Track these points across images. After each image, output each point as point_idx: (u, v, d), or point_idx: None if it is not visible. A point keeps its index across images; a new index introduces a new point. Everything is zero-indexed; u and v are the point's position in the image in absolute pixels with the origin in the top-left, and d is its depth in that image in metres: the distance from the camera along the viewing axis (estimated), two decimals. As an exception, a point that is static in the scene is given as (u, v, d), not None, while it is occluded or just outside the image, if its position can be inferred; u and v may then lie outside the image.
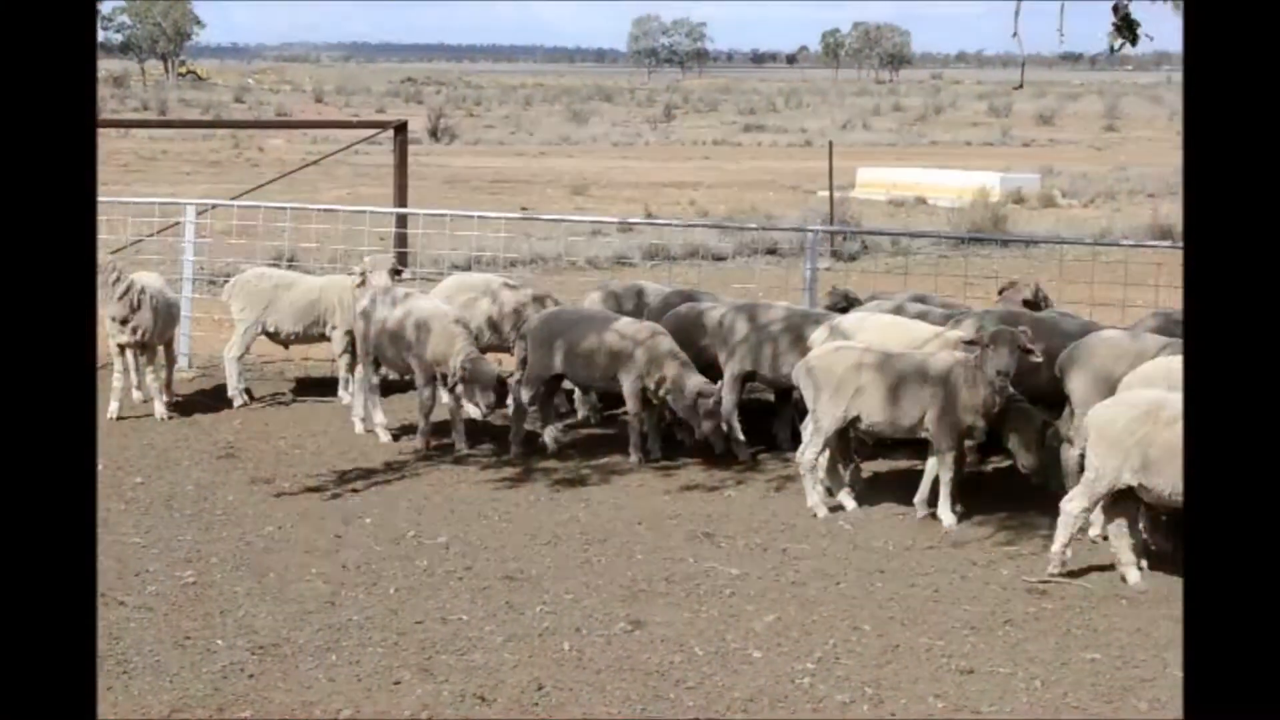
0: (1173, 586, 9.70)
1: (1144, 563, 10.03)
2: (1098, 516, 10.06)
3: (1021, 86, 17.21)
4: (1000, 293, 14.29)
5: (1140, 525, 10.06)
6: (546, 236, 24.84)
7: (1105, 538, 10.07)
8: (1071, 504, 9.81)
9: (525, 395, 13.02)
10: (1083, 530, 10.15)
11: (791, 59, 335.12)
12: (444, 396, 13.24)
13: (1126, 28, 10.38)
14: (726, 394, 12.75)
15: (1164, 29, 10.28)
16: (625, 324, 12.93)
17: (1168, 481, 9.32)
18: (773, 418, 13.41)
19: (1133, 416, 9.48)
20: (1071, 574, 9.99)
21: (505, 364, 14.76)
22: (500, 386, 12.92)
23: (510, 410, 13.18)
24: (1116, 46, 10.58)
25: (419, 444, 13.12)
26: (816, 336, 12.15)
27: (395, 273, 14.31)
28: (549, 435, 13.13)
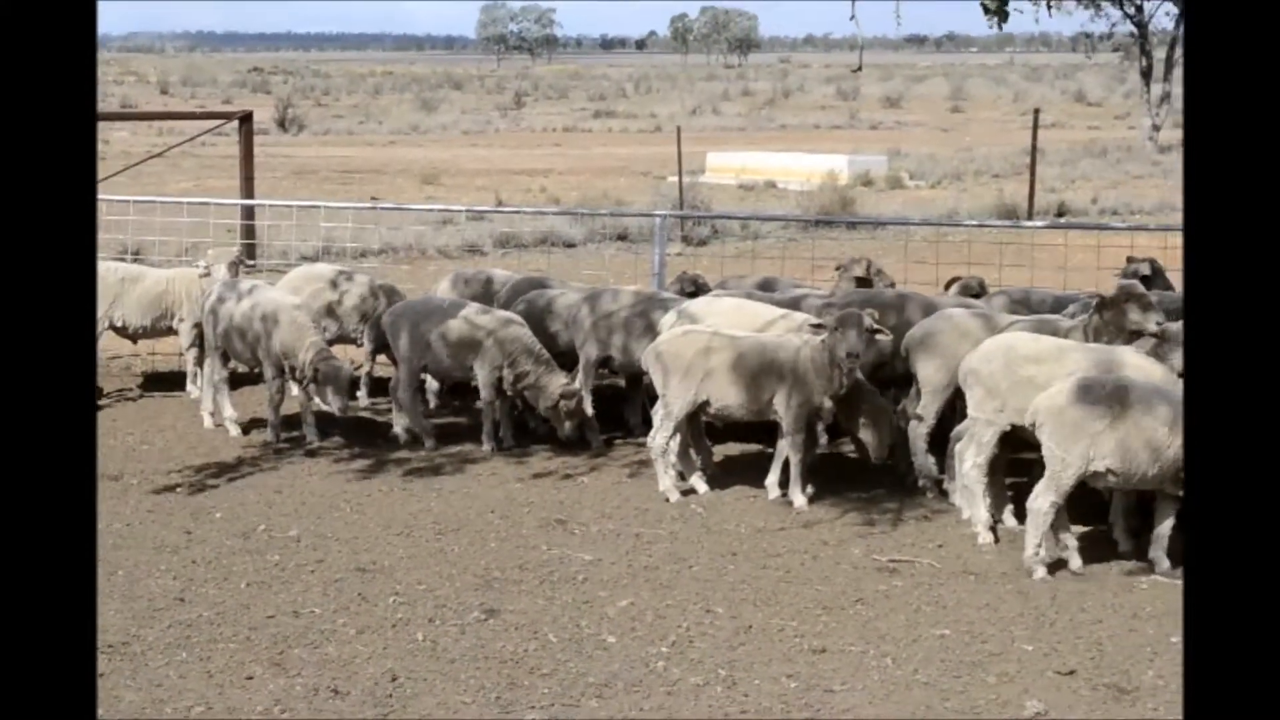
0: (1020, 560, 9.87)
1: (991, 537, 10.22)
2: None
3: (860, 69, 17.30)
4: (837, 269, 14.44)
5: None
6: (396, 226, 24.69)
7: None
8: (1039, 501, 9.64)
9: (405, 395, 12.93)
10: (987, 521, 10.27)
11: (640, 44, 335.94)
12: (294, 389, 13.12)
13: (999, 8, 10.54)
14: (581, 380, 12.78)
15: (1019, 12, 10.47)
16: (478, 313, 12.89)
17: (1141, 464, 9.44)
18: (623, 403, 13.44)
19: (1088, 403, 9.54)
20: (920, 552, 10.14)
21: (352, 355, 14.68)
22: (353, 385, 12.84)
23: (393, 407, 13.12)
24: (992, 26, 10.76)
25: (269, 437, 13.00)
26: (665, 321, 12.19)
27: (237, 265, 14.18)
28: (399, 426, 13.05)
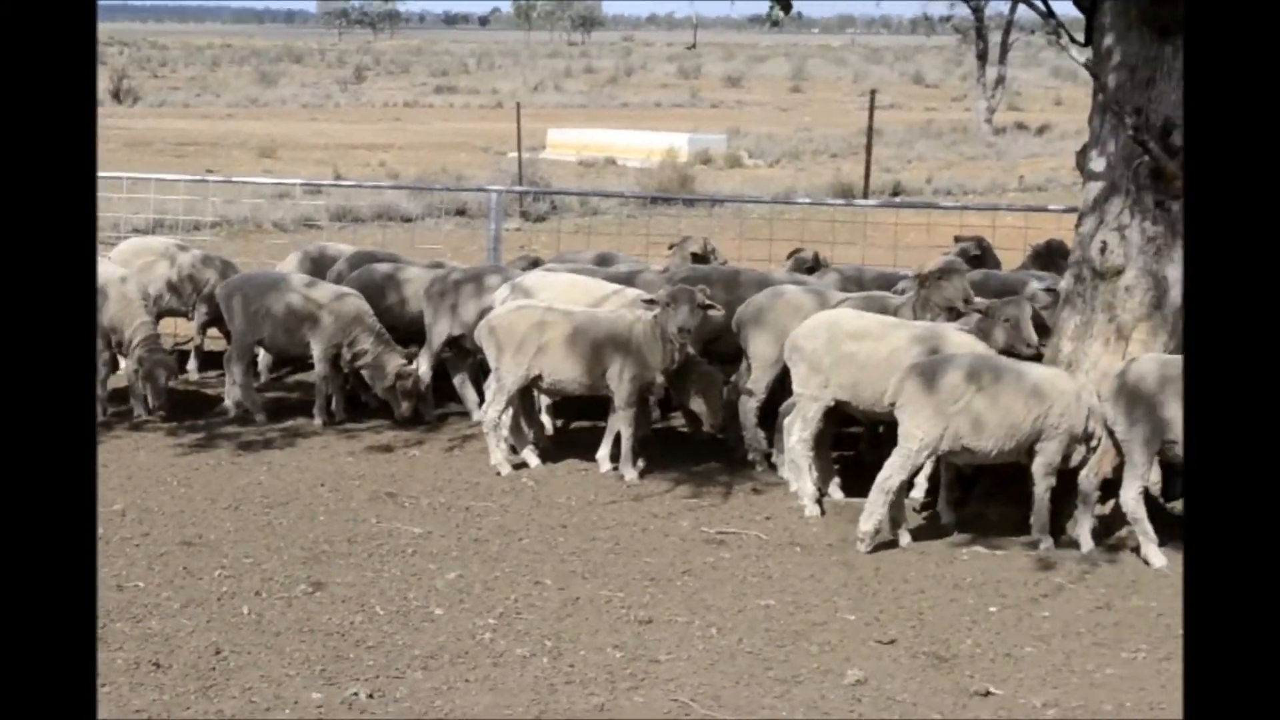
0: (846, 530, 10.02)
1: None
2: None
3: (694, 47, 17.44)
4: (670, 248, 14.52)
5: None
6: (231, 200, 24.38)
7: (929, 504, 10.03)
8: (891, 479, 9.70)
9: (237, 369, 12.79)
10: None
11: (484, 21, 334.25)
12: (122, 363, 12.95)
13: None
14: (424, 360, 12.72)
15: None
16: (313, 287, 12.79)
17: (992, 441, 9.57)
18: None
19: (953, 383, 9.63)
20: (748, 525, 10.24)
21: (184, 329, 14.52)
22: (178, 368, 12.73)
23: (225, 380, 12.98)
24: (768, 23, 10.89)
25: (96, 412, 12.82)
26: (498, 296, 12.18)
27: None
28: (230, 400, 12.92)
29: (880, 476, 9.75)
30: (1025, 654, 8.16)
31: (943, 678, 7.84)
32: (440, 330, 12.74)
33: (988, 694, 7.63)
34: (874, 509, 9.74)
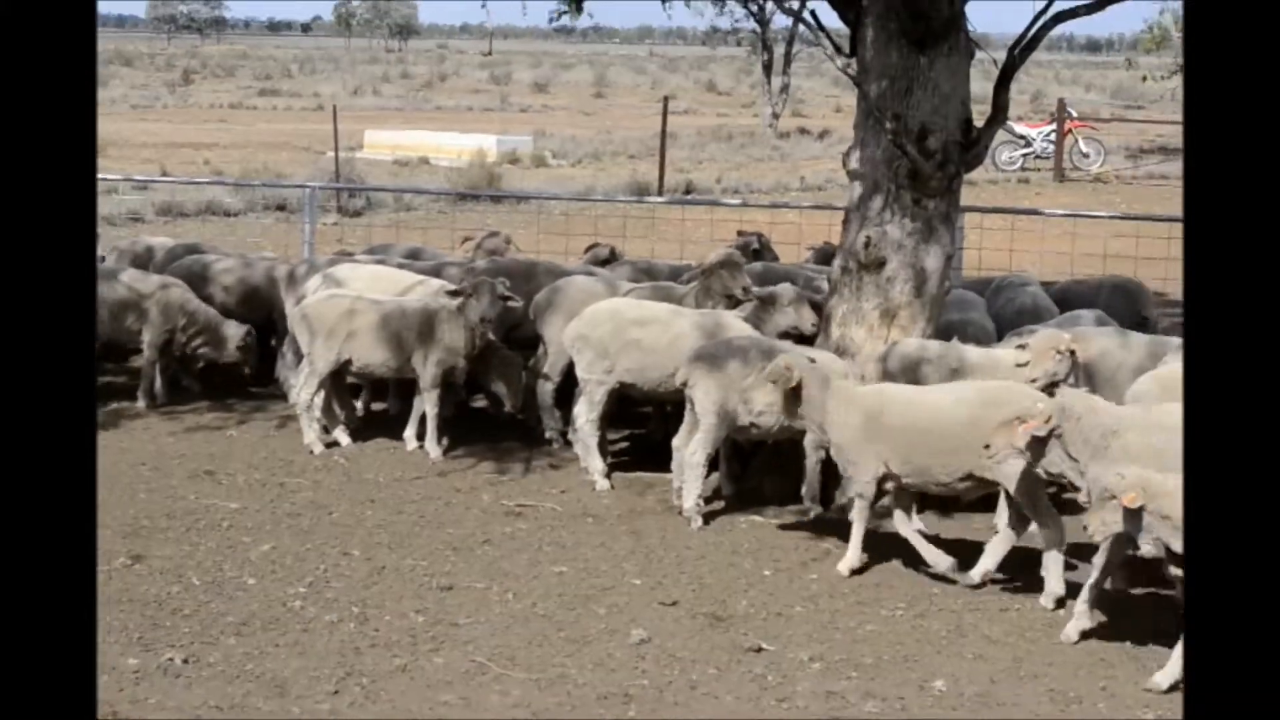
0: (634, 502, 10.10)
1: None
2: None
3: (490, 54, 17.43)
4: (464, 242, 14.53)
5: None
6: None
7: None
8: (696, 455, 9.65)
9: None
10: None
11: (306, 28, 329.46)
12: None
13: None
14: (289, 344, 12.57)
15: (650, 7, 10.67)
16: (137, 278, 12.59)
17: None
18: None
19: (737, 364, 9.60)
20: (544, 498, 10.29)
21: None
22: None
23: None
24: (557, 17, 10.92)
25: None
26: (310, 285, 12.08)
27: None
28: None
29: (688, 453, 9.76)
30: (795, 613, 8.30)
31: (720, 636, 7.95)
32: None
33: (760, 650, 7.75)
34: (691, 486, 9.74)
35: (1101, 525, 7.24)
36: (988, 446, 8.22)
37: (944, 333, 10.58)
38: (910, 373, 9.72)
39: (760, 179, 32.43)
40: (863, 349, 10.27)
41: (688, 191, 29.13)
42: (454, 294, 11.08)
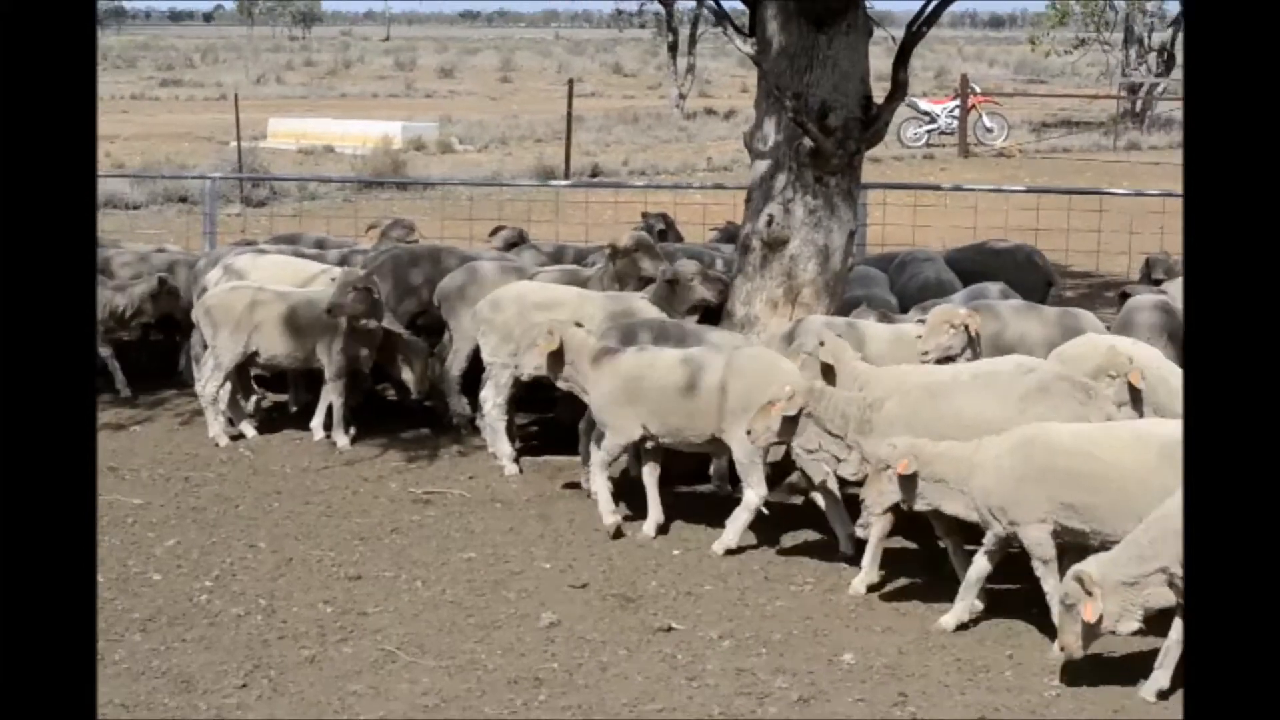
0: (543, 486, 10.10)
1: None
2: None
3: (389, 39, 17.37)
4: (370, 229, 14.44)
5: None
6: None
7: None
8: (602, 454, 9.44)
9: None
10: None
11: (208, 17, 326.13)
12: None
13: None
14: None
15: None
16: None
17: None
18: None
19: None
20: (453, 484, 10.26)
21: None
22: None
23: None
24: None
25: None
26: (212, 277, 11.96)
27: None
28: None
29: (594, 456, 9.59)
30: (704, 592, 8.33)
31: (630, 617, 7.96)
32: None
33: (670, 629, 7.77)
34: (595, 482, 9.53)
35: (878, 495, 7.61)
36: (749, 431, 8.47)
37: (848, 309, 10.63)
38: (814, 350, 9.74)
39: (667, 160, 32.47)
40: (767, 327, 10.31)
41: (594, 174, 29.10)
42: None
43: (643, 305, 10.55)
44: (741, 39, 10.68)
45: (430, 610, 8.03)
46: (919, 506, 7.67)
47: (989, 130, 37.25)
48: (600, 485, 9.35)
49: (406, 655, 7.41)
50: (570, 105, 28.97)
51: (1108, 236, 16.29)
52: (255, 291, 11.17)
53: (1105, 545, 7.10)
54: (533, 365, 9.39)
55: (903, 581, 8.45)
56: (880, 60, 12.17)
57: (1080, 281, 17.26)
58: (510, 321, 10.35)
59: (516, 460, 10.55)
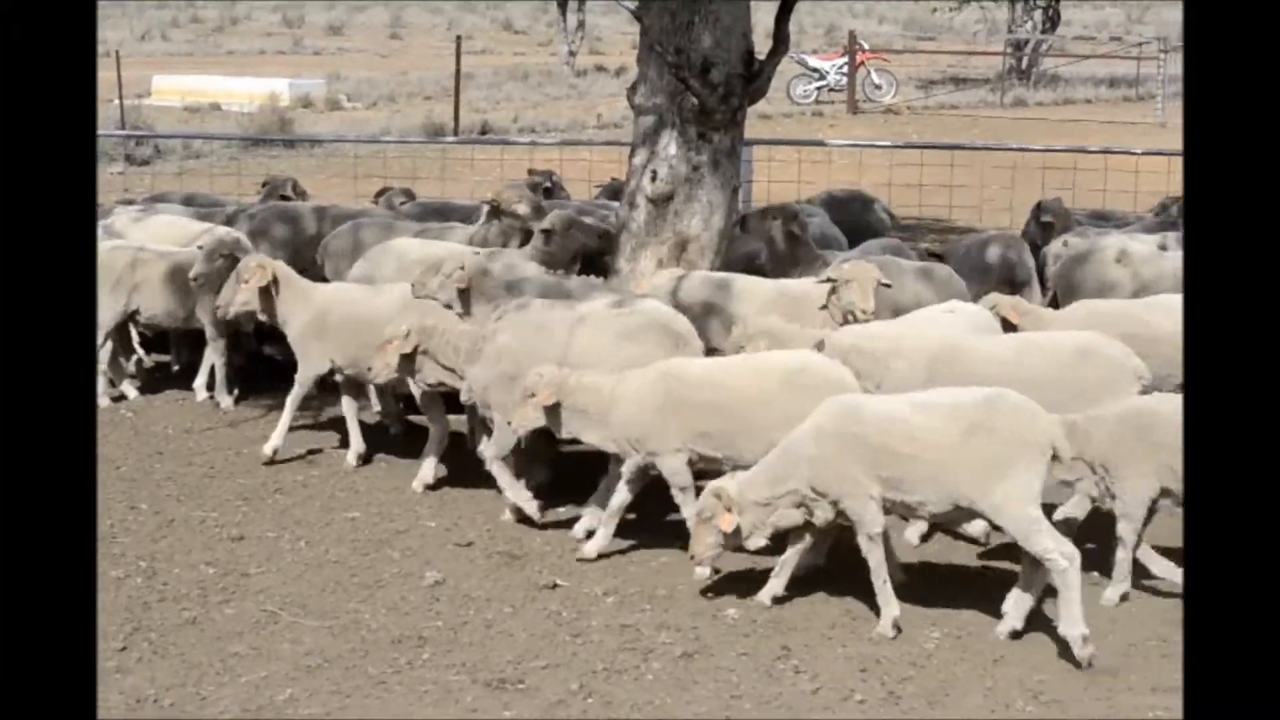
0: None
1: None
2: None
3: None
4: (264, 185, 14.27)
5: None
6: None
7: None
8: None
9: None
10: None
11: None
12: None
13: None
14: None
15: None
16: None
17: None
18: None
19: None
20: (337, 444, 10.19)
21: None
22: None
23: None
24: None
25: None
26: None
27: None
28: None
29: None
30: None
31: (515, 574, 7.96)
32: None
33: (555, 586, 7.79)
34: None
35: (522, 420, 8.06)
36: (370, 369, 9.03)
37: (737, 262, 10.68)
38: (704, 304, 9.73)
39: (557, 117, 32.32)
40: (651, 282, 10.30)
41: (484, 132, 28.92)
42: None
43: (522, 262, 10.47)
44: (624, -5, 10.66)
45: (314, 570, 7.99)
46: (564, 434, 8.17)
47: (878, 87, 37.41)
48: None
49: (289, 615, 7.37)
50: (459, 62, 28.78)
51: (991, 192, 16.44)
52: (136, 251, 11.01)
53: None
54: (241, 302, 9.71)
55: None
56: (764, 15, 12.17)
57: (965, 237, 17.39)
58: (389, 279, 10.25)
59: (401, 419, 10.44)
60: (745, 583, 7.81)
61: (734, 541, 7.30)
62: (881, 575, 7.19)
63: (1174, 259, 10.62)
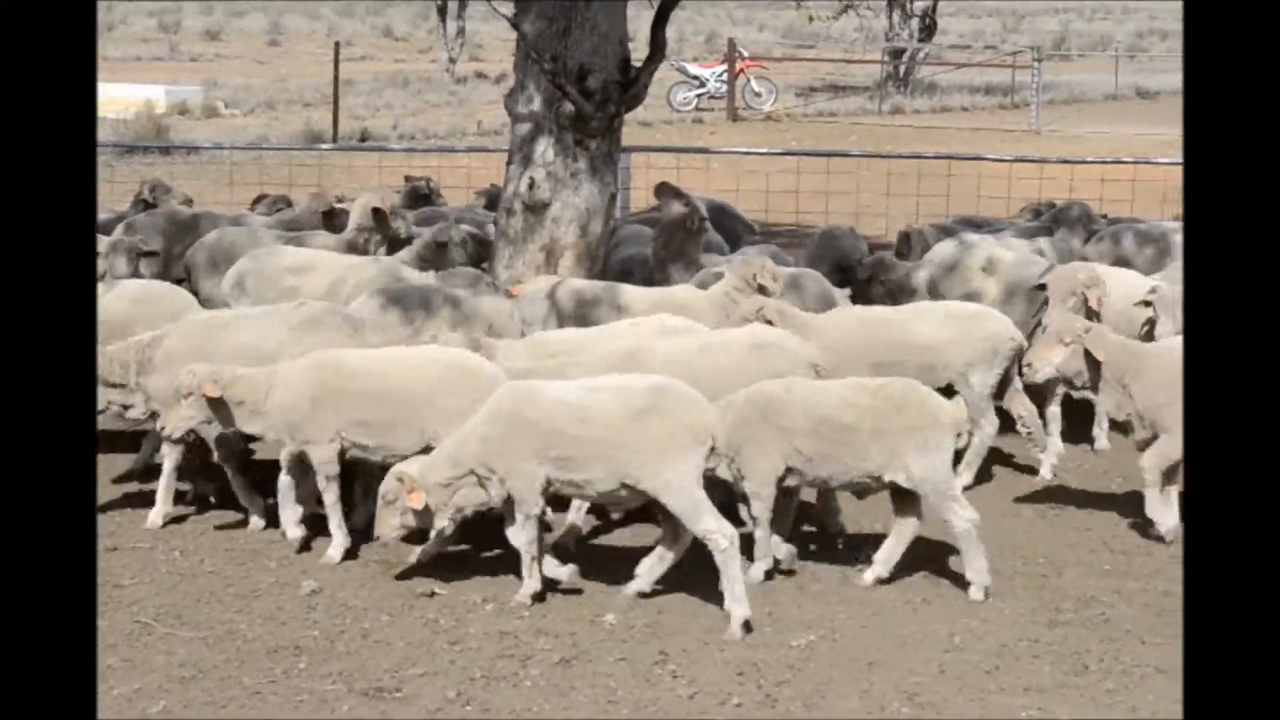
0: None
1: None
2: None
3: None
4: (144, 191, 14.11)
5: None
6: None
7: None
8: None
9: None
10: None
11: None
12: None
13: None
14: None
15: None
16: None
17: None
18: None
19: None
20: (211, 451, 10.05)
21: None
22: None
23: None
24: None
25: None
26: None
27: None
28: None
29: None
30: (468, 554, 8.32)
31: (392, 583, 7.93)
32: None
33: (433, 594, 7.76)
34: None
35: (178, 420, 8.11)
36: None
37: (616, 269, 10.72)
38: (581, 309, 9.76)
39: (437, 124, 32.26)
40: (529, 288, 10.30)
41: (363, 139, 28.76)
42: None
43: (406, 269, 10.44)
44: (500, 1, 10.66)
45: (188, 580, 7.91)
46: (226, 427, 8.28)
47: (757, 94, 37.67)
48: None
49: (163, 626, 7.30)
50: (337, 68, 28.62)
51: (868, 198, 16.60)
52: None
53: (389, 464, 7.84)
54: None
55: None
56: (642, 23, 12.21)
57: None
58: (263, 286, 10.17)
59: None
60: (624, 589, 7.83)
61: (422, 522, 7.61)
62: (532, 553, 7.56)
63: (1036, 267, 10.77)
